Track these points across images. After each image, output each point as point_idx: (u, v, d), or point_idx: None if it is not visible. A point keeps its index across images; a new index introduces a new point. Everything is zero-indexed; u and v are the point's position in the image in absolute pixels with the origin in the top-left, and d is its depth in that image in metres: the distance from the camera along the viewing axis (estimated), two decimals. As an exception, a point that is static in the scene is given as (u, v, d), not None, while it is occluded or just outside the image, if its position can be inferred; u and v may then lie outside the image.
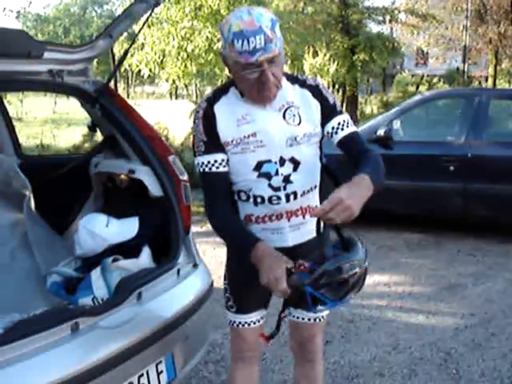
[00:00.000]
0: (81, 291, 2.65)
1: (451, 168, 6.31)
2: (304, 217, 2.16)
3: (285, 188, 2.09)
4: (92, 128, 3.25)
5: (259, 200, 2.10)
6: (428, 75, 29.69)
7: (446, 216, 6.81)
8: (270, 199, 2.09)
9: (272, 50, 1.86)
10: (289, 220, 2.14)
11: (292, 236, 2.17)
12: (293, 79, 2.14)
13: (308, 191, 2.15)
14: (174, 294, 2.62)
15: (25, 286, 2.96)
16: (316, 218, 2.19)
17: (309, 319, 2.37)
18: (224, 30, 1.89)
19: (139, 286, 2.43)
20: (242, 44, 1.83)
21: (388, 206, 6.75)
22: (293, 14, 17.66)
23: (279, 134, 2.05)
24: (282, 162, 2.07)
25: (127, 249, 2.86)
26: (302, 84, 2.12)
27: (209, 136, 2.05)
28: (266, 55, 1.85)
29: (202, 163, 2.07)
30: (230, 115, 2.05)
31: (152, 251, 2.89)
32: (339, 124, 2.11)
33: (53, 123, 17.45)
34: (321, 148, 2.19)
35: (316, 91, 2.12)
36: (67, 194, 3.40)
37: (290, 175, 2.08)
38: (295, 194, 2.11)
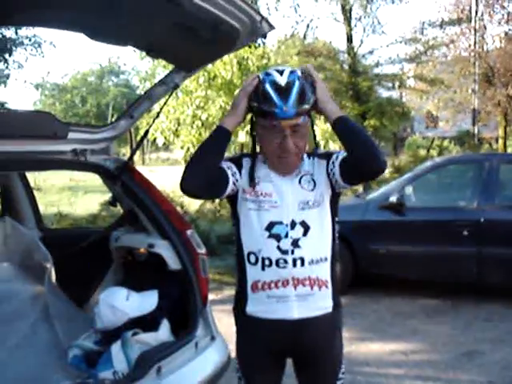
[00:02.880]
0: (101, 365, 2.70)
1: (464, 233, 6.33)
2: (312, 288, 2.14)
3: (293, 252, 2.11)
4: (113, 203, 3.36)
5: (267, 263, 2.12)
6: (439, 137, 29.98)
7: (461, 281, 6.78)
8: (277, 262, 2.11)
9: (295, 117, 2.05)
10: (295, 288, 2.12)
11: (298, 307, 2.13)
12: (312, 153, 2.27)
13: (317, 261, 2.15)
14: (193, 368, 2.67)
15: (46, 359, 3.01)
16: (330, 292, 2.20)
17: None
18: None
19: (159, 360, 2.49)
20: None
21: (402, 272, 6.77)
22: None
23: (292, 196, 2.15)
24: (292, 224, 2.12)
25: (146, 322, 2.91)
26: (319, 155, 2.25)
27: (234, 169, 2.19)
28: (289, 121, 2.04)
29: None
30: (253, 171, 2.19)
31: (170, 323, 2.94)
32: (337, 154, 2.19)
33: (70, 190, 17.74)
34: (334, 218, 2.23)
35: (325, 154, 2.25)
36: (88, 266, 3.48)
37: (299, 239, 2.12)
38: (303, 259, 2.11)
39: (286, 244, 2.12)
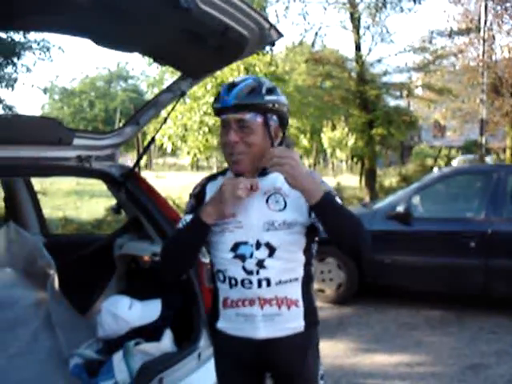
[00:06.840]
0: (102, 375, 2.67)
1: (472, 244, 6.27)
2: (280, 308, 2.06)
3: (258, 272, 2.03)
4: (117, 210, 3.33)
5: (233, 282, 2.07)
6: (446, 147, 29.91)
7: (467, 293, 6.72)
8: (242, 282, 2.05)
9: (238, 111, 2.00)
10: (262, 308, 2.05)
11: (264, 326, 2.07)
12: None
13: (286, 282, 2.06)
14: (195, 379, 2.63)
15: (46, 368, 2.98)
16: (301, 312, 2.10)
17: None
18: None
19: (160, 371, 2.45)
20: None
21: (408, 283, 6.71)
22: (312, 89, 18.09)
23: (257, 216, 2.06)
24: (258, 245, 2.04)
25: (149, 331, 2.88)
26: None
27: (196, 206, 2.14)
28: (233, 114, 2.00)
29: (183, 220, 2.14)
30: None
31: (173, 333, 2.90)
32: None
33: (76, 195, 17.74)
34: (309, 241, 2.12)
35: None
36: (91, 273, 3.45)
37: (263, 260, 2.03)
38: (268, 280, 2.04)
39: (250, 264, 2.04)
